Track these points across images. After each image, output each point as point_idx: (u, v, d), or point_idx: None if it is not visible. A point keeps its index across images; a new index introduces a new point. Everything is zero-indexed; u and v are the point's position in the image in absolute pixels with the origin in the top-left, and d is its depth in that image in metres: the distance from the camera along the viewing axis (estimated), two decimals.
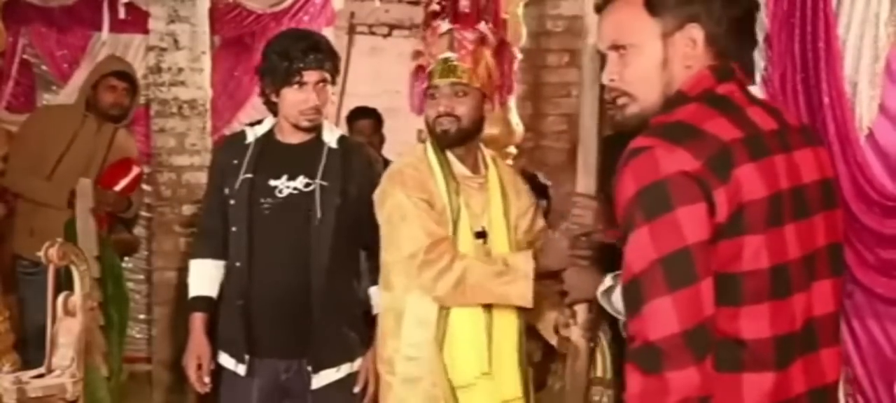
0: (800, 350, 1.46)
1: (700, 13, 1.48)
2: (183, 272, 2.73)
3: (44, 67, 4.98)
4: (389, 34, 6.63)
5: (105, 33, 4.83)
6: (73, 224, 3.49)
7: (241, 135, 2.71)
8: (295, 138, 2.62)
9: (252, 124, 2.90)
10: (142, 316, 4.85)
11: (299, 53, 2.51)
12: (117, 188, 3.91)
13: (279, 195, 2.57)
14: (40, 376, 2.02)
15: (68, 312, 2.08)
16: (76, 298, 2.09)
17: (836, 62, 2.02)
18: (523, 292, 2.30)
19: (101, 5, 4.76)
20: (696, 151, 1.37)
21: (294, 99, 2.54)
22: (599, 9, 1.60)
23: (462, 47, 2.46)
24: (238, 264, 2.57)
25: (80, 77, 4.82)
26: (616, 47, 1.54)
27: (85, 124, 3.92)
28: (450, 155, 2.46)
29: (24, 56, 4.93)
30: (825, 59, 2.03)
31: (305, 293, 2.55)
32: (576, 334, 2.13)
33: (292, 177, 2.58)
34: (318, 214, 2.55)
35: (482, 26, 2.52)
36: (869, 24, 2.02)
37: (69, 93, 4.80)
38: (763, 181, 1.40)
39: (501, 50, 2.55)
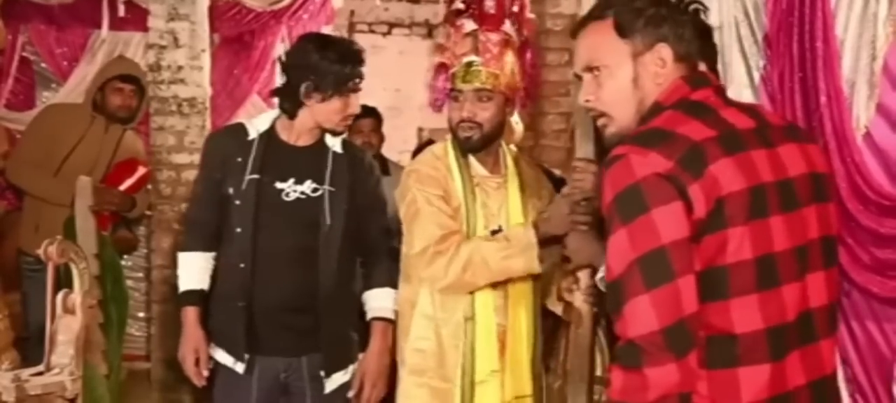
0: (796, 342, 1.47)
1: (668, 34, 1.55)
2: None
3: (43, 65, 4.99)
4: (389, 32, 6.63)
5: (105, 31, 4.85)
6: (72, 221, 3.49)
7: (241, 129, 2.61)
8: (301, 140, 2.58)
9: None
10: (141, 314, 4.86)
11: (355, 62, 2.51)
12: (122, 187, 3.93)
13: (286, 198, 2.53)
14: (39, 374, 2.02)
15: (67, 310, 2.07)
16: (75, 296, 2.09)
17: (834, 61, 2.03)
18: (528, 262, 2.33)
19: (101, 3, 4.77)
20: (667, 152, 1.40)
21: (338, 106, 2.51)
22: (574, 34, 1.67)
23: (487, 50, 2.44)
24: (242, 265, 2.52)
25: (79, 74, 4.83)
26: (590, 69, 1.61)
27: (93, 124, 3.94)
28: (469, 155, 2.49)
29: (24, 53, 4.95)
30: (823, 58, 2.03)
31: (311, 296, 2.53)
32: (579, 299, 2.15)
33: (299, 181, 2.54)
34: (328, 220, 2.52)
35: (507, 27, 2.49)
36: (867, 24, 2.02)
37: (69, 91, 4.82)
38: (741, 174, 1.43)
39: (525, 51, 2.52)
